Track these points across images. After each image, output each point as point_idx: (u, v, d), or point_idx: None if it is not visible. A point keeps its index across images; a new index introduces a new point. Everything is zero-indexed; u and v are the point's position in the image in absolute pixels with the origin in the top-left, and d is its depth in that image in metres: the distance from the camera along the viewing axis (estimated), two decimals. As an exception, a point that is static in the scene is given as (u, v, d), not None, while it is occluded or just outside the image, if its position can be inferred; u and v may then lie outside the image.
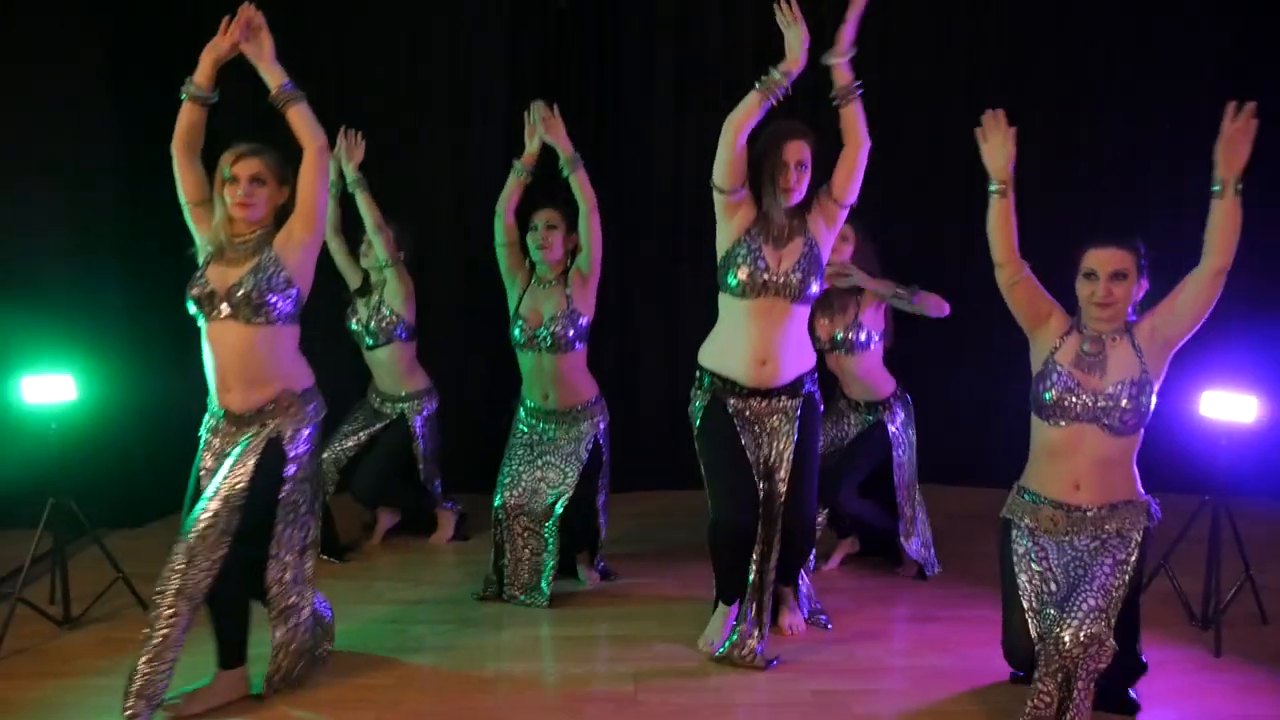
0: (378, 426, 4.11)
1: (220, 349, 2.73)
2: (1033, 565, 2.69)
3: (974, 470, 4.86)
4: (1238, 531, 3.39)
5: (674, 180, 4.95)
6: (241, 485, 2.69)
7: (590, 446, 3.66)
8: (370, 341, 4.06)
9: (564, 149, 3.49)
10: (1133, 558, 2.65)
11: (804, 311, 3.13)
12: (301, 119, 2.74)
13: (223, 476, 2.70)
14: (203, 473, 2.78)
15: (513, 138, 3.89)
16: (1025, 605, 2.65)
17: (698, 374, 3.19)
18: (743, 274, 3.01)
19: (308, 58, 4.48)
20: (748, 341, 3.06)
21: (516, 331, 3.65)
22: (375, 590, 3.72)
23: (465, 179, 4.86)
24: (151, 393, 4.16)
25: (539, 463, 3.63)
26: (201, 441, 2.81)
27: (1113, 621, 2.56)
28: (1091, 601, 2.56)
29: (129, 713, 2.57)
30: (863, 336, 3.71)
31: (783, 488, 3.09)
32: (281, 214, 2.82)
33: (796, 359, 3.13)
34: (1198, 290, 2.58)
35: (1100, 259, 2.63)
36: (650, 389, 5.04)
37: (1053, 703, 2.55)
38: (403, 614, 3.50)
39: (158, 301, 3.81)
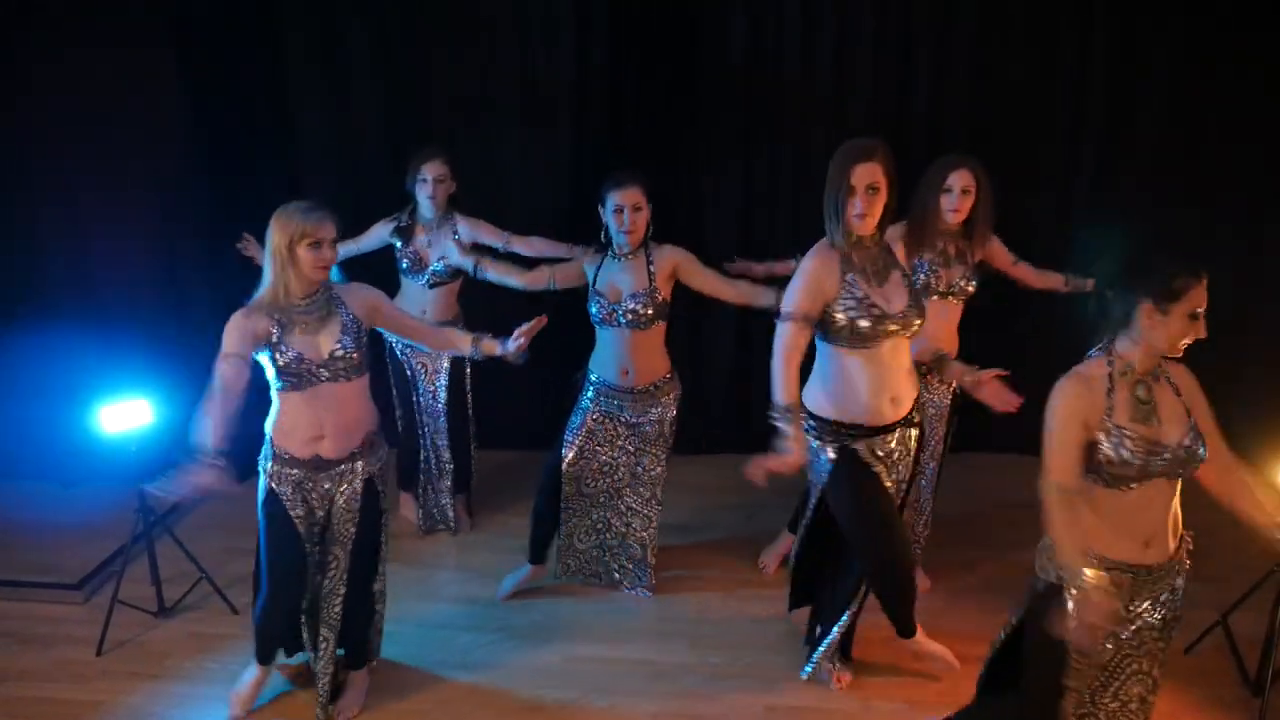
0: None
1: (318, 406, 2.86)
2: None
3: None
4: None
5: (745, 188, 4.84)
6: (353, 529, 2.98)
7: (671, 426, 3.70)
8: None
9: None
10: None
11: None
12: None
13: (339, 522, 2.98)
14: (296, 518, 2.94)
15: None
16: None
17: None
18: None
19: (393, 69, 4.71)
20: None
21: (595, 308, 3.57)
22: (437, 583, 3.99)
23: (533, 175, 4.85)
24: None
25: (618, 440, 3.69)
26: (271, 485, 2.93)
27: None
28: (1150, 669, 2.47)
29: None
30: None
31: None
32: None
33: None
34: None
35: (1199, 298, 2.25)
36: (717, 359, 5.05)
37: None
38: (454, 617, 3.73)
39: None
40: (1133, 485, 2.33)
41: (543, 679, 3.38)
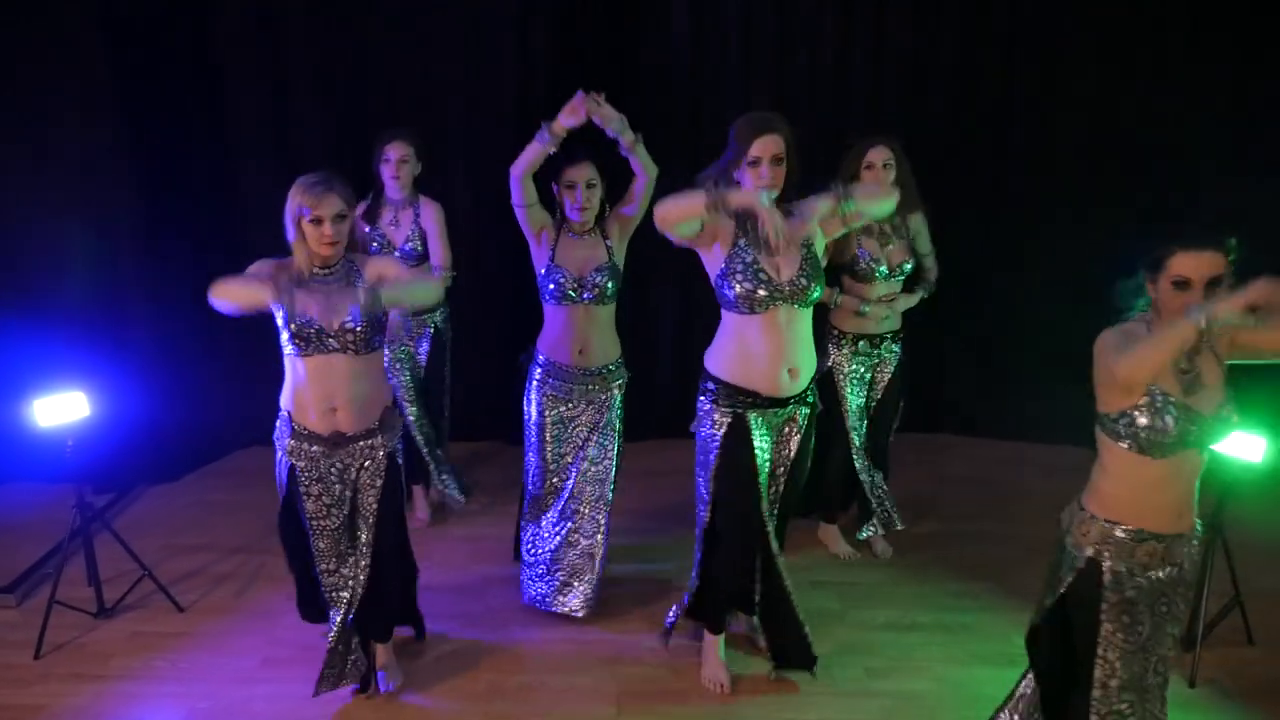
0: None
1: (328, 378, 2.84)
2: (1124, 616, 2.39)
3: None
4: (1231, 560, 3.39)
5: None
6: (375, 504, 2.98)
7: (619, 414, 3.65)
8: None
9: (626, 133, 3.24)
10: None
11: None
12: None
13: (369, 500, 2.98)
14: (309, 498, 2.92)
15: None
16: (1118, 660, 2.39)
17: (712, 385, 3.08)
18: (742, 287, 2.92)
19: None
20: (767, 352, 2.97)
21: (554, 284, 3.47)
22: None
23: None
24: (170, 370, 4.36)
25: (573, 437, 3.62)
26: (288, 463, 2.91)
27: None
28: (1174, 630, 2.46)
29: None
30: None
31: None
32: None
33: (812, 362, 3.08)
34: None
35: (1182, 265, 2.23)
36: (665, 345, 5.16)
37: None
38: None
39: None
40: (1167, 455, 2.30)
41: (503, 661, 3.39)
